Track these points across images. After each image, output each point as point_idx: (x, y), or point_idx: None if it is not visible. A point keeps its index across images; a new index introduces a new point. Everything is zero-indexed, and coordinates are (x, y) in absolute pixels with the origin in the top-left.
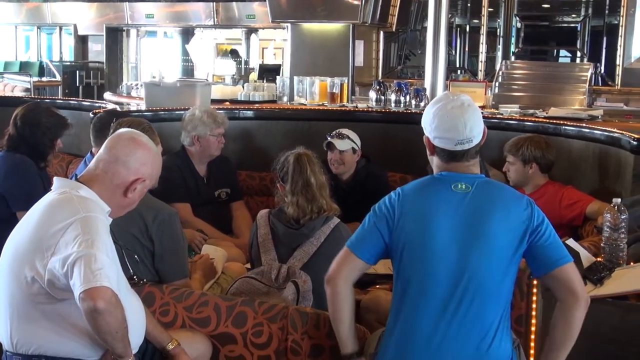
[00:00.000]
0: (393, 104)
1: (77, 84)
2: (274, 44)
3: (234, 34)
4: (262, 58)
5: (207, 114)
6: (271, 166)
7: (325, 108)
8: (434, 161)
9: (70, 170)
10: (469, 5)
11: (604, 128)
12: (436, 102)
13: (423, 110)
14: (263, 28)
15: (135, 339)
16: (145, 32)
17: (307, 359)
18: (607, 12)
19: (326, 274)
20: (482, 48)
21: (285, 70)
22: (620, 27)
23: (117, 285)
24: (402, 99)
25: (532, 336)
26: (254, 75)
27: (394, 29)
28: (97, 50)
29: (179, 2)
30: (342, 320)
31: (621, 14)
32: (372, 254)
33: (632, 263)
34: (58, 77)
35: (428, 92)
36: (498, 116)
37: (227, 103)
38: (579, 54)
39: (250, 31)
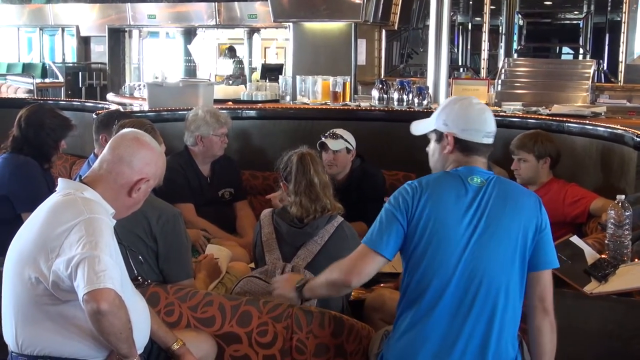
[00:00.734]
0: (396, 103)
1: (80, 85)
2: (276, 44)
3: (236, 33)
4: (265, 58)
5: (210, 114)
6: (274, 165)
7: (328, 107)
8: (450, 158)
9: (74, 171)
10: (471, 2)
11: (607, 125)
12: (457, 100)
13: (426, 108)
14: (265, 28)
15: (140, 339)
16: (148, 33)
17: (312, 358)
18: (609, 8)
19: (341, 273)
20: (485, 46)
21: (288, 69)
22: (623, 24)
23: (121, 286)
24: (404, 97)
25: None
26: (256, 75)
27: (396, 28)
28: (99, 51)
29: (180, 3)
30: None
31: (623, 10)
32: (393, 247)
33: (636, 260)
34: (61, 79)
35: (431, 91)
36: (501, 114)
37: (230, 103)
38: (581, 51)
39: (252, 31)
